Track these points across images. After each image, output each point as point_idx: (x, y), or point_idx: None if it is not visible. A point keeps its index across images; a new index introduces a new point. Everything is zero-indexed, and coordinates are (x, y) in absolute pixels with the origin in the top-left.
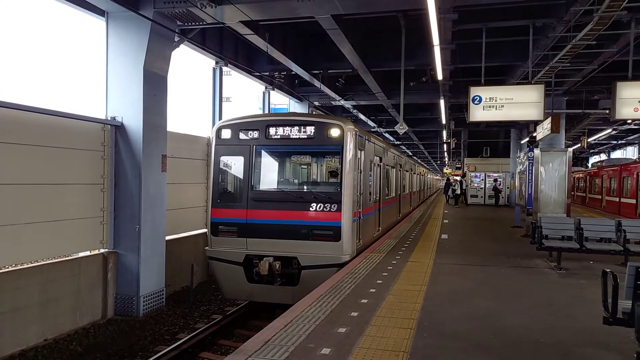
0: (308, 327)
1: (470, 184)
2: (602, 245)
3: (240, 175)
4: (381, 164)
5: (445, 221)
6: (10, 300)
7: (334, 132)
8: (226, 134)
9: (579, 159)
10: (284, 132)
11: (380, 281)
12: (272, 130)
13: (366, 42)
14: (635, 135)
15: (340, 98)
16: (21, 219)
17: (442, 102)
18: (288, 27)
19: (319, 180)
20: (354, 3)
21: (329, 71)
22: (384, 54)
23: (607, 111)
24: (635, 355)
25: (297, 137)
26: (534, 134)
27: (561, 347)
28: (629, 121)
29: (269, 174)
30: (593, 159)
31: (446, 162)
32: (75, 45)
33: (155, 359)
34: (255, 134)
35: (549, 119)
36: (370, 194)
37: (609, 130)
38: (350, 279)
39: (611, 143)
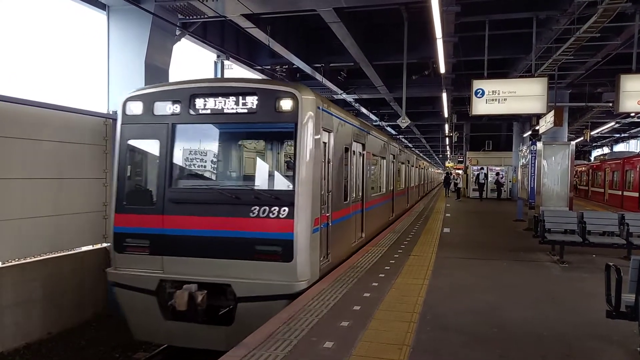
0: (311, 320)
1: (472, 178)
2: (605, 239)
3: (155, 166)
4: (365, 152)
5: (447, 215)
6: (14, 294)
7: (285, 104)
8: (135, 108)
9: (581, 153)
10: (215, 104)
11: (383, 275)
12: (198, 102)
13: (368, 36)
14: (639, 128)
15: (342, 92)
16: (25, 214)
17: (444, 96)
18: (290, 20)
19: (264, 174)
20: None
21: (331, 65)
22: (386, 48)
23: (611, 104)
24: (638, 349)
25: (234, 111)
26: (537, 127)
27: (564, 341)
28: (633, 114)
29: (194, 164)
30: (596, 152)
31: (448, 156)
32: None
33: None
34: (176, 108)
35: (552, 112)
36: (346, 191)
37: (612, 123)
38: (352, 273)
39: (614, 136)
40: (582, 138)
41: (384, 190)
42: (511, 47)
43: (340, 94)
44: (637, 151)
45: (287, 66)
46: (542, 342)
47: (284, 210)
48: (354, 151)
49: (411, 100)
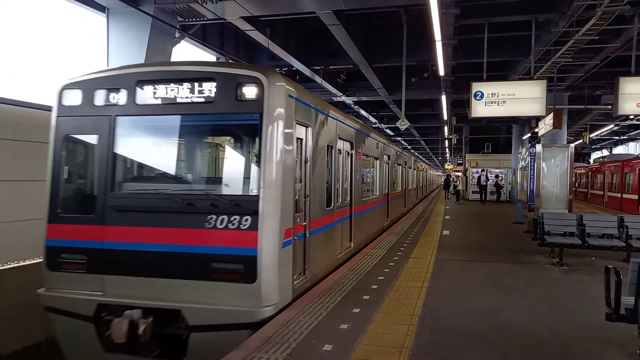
0: (310, 323)
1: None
2: (604, 242)
3: (95, 167)
4: (354, 152)
5: (446, 217)
6: (14, 297)
7: (248, 91)
8: (73, 97)
9: (581, 155)
10: (166, 92)
11: (382, 277)
12: (146, 90)
13: (367, 38)
14: (638, 131)
15: (342, 94)
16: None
17: (443, 98)
18: (289, 22)
19: (223, 176)
20: None
21: (330, 67)
22: (386, 50)
23: (610, 107)
24: (638, 352)
25: (188, 100)
26: (536, 130)
27: (563, 343)
28: (632, 117)
29: (140, 165)
30: (595, 155)
31: (448, 158)
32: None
33: None
34: (120, 98)
35: (551, 115)
36: (330, 196)
37: (611, 126)
38: (351, 276)
39: (613, 139)
40: (581, 140)
41: (378, 193)
42: (510, 50)
43: (340, 96)
44: (636, 154)
45: (286, 68)
46: (542, 344)
47: (246, 220)
48: (339, 150)
49: (410, 103)
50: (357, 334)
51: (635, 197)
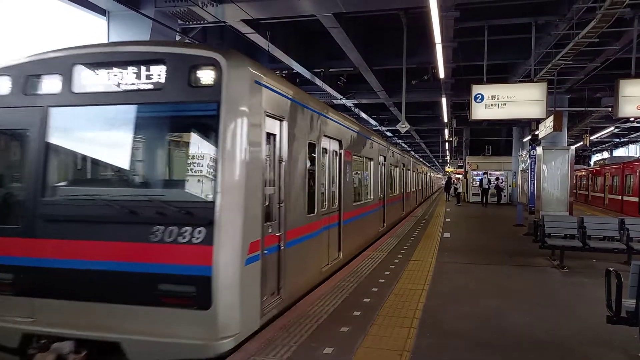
0: (310, 326)
1: (474, 183)
2: (605, 244)
3: (24, 169)
4: (343, 152)
5: (447, 220)
6: None
7: (203, 76)
8: (1, 86)
9: (581, 157)
10: (107, 77)
11: (383, 280)
12: (83, 76)
13: (367, 41)
14: (638, 133)
15: (342, 97)
16: None
17: (444, 101)
18: (289, 25)
19: (173, 178)
20: (355, 1)
21: (331, 70)
22: (386, 52)
23: (610, 109)
24: (639, 354)
25: (134, 87)
26: (536, 132)
27: (564, 346)
28: (632, 119)
29: (77, 166)
30: (595, 157)
31: (448, 161)
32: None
33: None
34: (54, 85)
35: (552, 117)
36: (312, 200)
37: (612, 128)
38: (352, 279)
39: (614, 141)
40: (581, 143)
41: (372, 197)
42: (510, 52)
43: (340, 99)
44: (637, 156)
45: (286, 71)
46: (543, 347)
47: (199, 232)
48: (325, 149)
49: (411, 105)
50: (358, 337)
51: (636, 199)
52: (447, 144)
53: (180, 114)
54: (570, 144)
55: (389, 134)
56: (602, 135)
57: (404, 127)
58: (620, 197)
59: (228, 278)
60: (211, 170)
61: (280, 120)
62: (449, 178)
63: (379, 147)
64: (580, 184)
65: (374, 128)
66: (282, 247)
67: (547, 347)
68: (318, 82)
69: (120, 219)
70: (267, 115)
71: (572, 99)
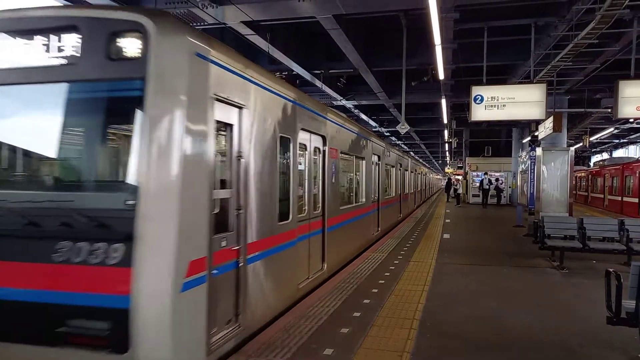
0: (310, 327)
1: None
2: (605, 245)
3: None
4: (327, 148)
5: (446, 221)
6: None
7: (126, 45)
8: None
9: (581, 158)
10: (9, 50)
11: (383, 281)
12: None
13: (367, 42)
14: (638, 134)
15: (342, 98)
16: None
17: (443, 102)
18: (289, 27)
19: (85, 179)
20: (355, 2)
21: (330, 71)
22: (385, 54)
23: (609, 110)
24: (639, 355)
25: (41, 62)
26: (536, 133)
27: (565, 347)
28: (631, 120)
29: None
30: (595, 158)
31: (448, 162)
32: None
33: None
34: None
35: (551, 118)
36: (286, 205)
37: (611, 129)
38: (351, 280)
39: (613, 142)
40: (581, 144)
41: (364, 200)
42: (510, 54)
43: (340, 100)
44: (637, 157)
45: (286, 72)
46: (544, 348)
47: (116, 250)
48: (303, 145)
49: (410, 106)
50: (358, 338)
51: (636, 200)
52: (446, 145)
53: (97, 96)
54: (569, 145)
55: (388, 134)
56: (602, 136)
57: (403, 128)
58: (620, 198)
59: (154, 310)
60: (135, 167)
61: (240, 108)
62: (449, 179)
63: (373, 145)
64: (580, 185)
65: (374, 129)
66: (242, 264)
67: (547, 348)
68: (318, 83)
69: (15, 232)
70: (218, 100)
71: (571, 100)
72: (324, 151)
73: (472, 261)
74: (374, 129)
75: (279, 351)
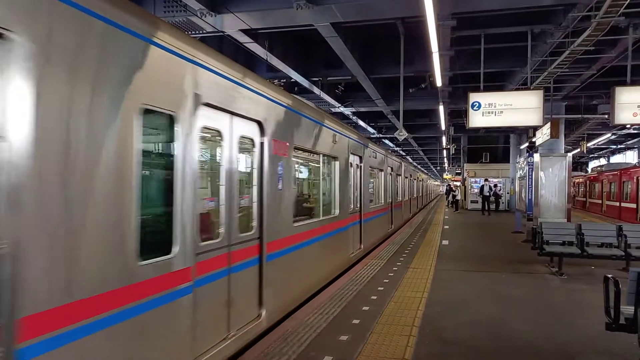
0: (309, 335)
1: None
2: (604, 251)
3: None
4: (266, 141)
5: (445, 227)
6: None
7: None
8: None
9: (578, 164)
10: None
11: (382, 288)
12: None
13: (365, 49)
14: (635, 140)
15: (340, 105)
16: None
17: (441, 108)
18: (287, 35)
19: None
20: (352, 10)
21: (329, 78)
22: (383, 61)
23: (606, 116)
24: None
25: None
26: (534, 139)
27: (564, 354)
28: (628, 126)
29: None
30: (593, 164)
31: (446, 168)
32: None
33: None
34: None
35: (548, 124)
36: (157, 226)
37: (608, 134)
38: (351, 287)
39: (611, 148)
40: (578, 149)
41: (337, 211)
42: (507, 61)
43: (338, 107)
44: (634, 162)
45: (285, 80)
46: (543, 355)
47: None
48: (214, 130)
49: (408, 113)
50: (357, 345)
51: (634, 205)
52: (444, 151)
53: None
54: (567, 151)
55: (387, 141)
56: (599, 142)
57: (401, 135)
58: (618, 204)
59: None
60: None
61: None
62: (449, 185)
63: (350, 142)
64: (577, 191)
65: (372, 136)
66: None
67: (546, 355)
68: (316, 90)
69: None
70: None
71: (568, 106)
72: (261, 144)
73: (471, 267)
74: (372, 135)
75: (278, 359)
